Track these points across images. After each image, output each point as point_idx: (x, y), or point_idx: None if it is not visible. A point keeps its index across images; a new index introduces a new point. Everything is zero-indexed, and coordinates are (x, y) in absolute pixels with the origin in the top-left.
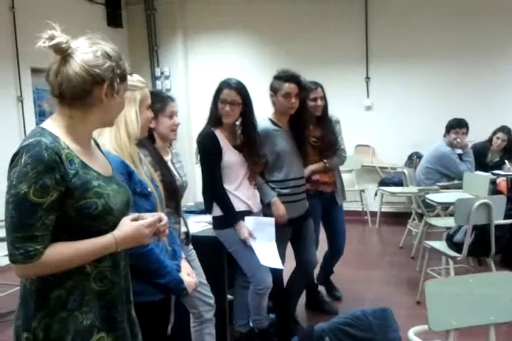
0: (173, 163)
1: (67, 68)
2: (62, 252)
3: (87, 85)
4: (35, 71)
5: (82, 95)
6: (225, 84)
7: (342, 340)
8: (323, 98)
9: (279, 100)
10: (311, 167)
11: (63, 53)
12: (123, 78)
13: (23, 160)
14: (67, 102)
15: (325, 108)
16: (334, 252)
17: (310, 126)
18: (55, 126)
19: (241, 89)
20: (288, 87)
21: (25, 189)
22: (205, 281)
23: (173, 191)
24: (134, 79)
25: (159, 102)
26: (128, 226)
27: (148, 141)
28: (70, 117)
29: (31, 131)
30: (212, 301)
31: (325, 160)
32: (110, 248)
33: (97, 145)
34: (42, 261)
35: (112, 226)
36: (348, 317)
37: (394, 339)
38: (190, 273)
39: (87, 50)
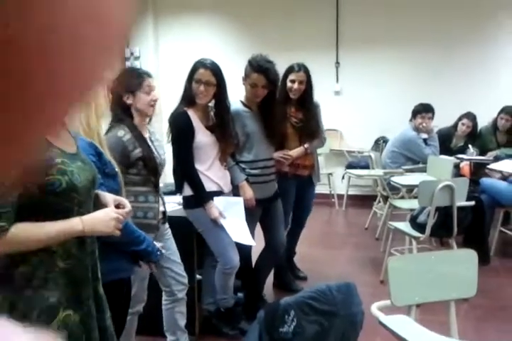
0: (151, 141)
1: None
2: (27, 230)
3: None
4: None
5: None
6: (200, 64)
7: (307, 313)
8: (306, 82)
9: (246, 87)
10: (293, 154)
11: None
12: None
13: None
14: None
15: (308, 92)
16: (296, 225)
17: (288, 108)
18: None
19: (216, 70)
20: (255, 77)
21: None
22: (179, 260)
23: (154, 167)
24: None
25: (136, 78)
26: (98, 211)
27: (127, 117)
28: None
29: None
30: (185, 280)
31: (305, 145)
32: (76, 226)
33: None
34: (7, 239)
35: (77, 204)
36: (313, 292)
37: (356, 313)
38: None
39: None
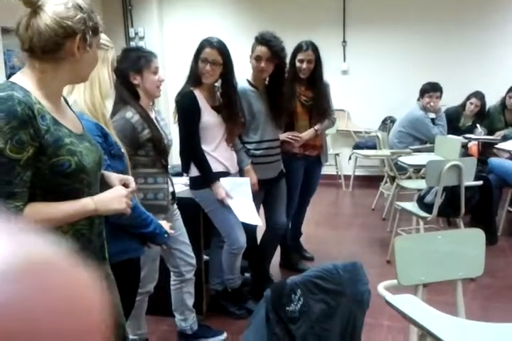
0: (157, 121)
1: (37, 21)
2: (41, 210)
3: (59, 38)
4: (6, 31)
5: (53, 48)
6: (206, 43)
7: (313, 293)
8: (314, 61)
9: (252, 63)
10: (304, 136)
11: (33, 5)
12: (95, 31)
13: None
14: (38, 56)
15: (317, 71)
16: (301, 204)
17: (298, 87)
18: (25, 80)
19: (223, 49)
20: (259, 50)
21: (1, 145)
22: (188, 241)
23: (163, 149)
24: (104, 38)
25: (143, 58)
26: (108, 190)
27: (133, 99)
28: (42, 71)
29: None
30: (193, 261)
31: (316, 128)
32: (88, 206)
33: (67, 102)
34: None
35: (87, 185)
36: (319, 271)
37: (363, 292)
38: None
39: (58, 2)
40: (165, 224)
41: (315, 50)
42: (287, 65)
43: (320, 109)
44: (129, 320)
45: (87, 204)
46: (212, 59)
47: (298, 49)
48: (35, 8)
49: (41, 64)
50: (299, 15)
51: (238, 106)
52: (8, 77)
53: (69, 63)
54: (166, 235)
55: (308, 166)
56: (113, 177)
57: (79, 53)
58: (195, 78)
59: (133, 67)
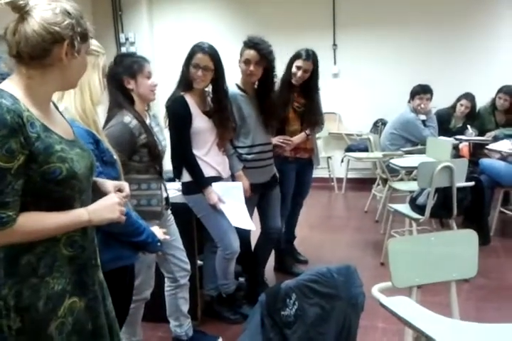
0: (151, 128)
1: (25, 26)
2: (35, 220)
3: (47, 44)
4: None
5: (41, 54)
6: (198, 49)
7: (308, 296)
8: (311, 71)
9: (241, 67)
10: (295, 140)
11: (21, 11)
12: (84, 37)
13: None
14: (26, 62)
15: (312, 81)
16: (294, 207)
17: (292, 93)
18: (13, 86)
19: (214, 55)
20: (248, 53)
21: None
22: (182, 247)
23: (157, 155)
24: (95, 43)
25: (137, 63)
26: (100, 199)
27: (128, 103)
28: (29, 78)
29: None
30: (188, 266)
31: (307, 132)
32: (82, 217)
33: (56, 108)
34: (15, 228)
35: (78, 192)
36: (313, 274)
37: (357, 295)
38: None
39: (46, 8)
40: (158, 230)
41: (315, 61)
42: (275, 69)
43: (312, 117)
44: (125, 327)
45: (81, 214)
46: (203, 65)
47: (298, 56)
48: (22, 14)
49: (29, 70)
50: (288, 18)
51: (229, 110)
52: None
53: (57, 69)
54: (158, 243)
55: (300, 169)
56: (107, 184)
57: (67, 59)
58: (186, 83)
59: (127, 72)
